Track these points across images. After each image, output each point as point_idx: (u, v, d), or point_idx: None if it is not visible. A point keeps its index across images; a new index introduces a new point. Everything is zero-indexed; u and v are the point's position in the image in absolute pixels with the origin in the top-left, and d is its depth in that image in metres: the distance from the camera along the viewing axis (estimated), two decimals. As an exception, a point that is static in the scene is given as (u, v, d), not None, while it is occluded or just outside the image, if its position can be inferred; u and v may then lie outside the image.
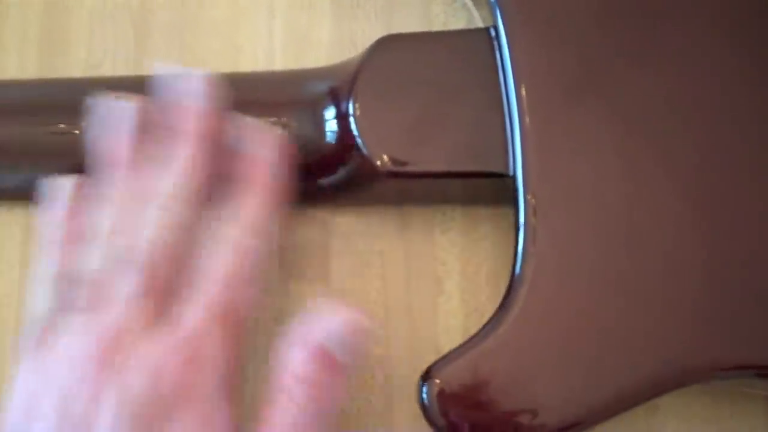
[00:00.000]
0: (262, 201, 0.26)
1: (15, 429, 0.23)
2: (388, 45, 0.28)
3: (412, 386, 0.27)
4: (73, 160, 0.27)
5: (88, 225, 0.25)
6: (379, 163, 0.26)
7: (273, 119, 0.28)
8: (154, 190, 0.25)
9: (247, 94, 0.29)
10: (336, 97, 0.28)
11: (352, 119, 0.27)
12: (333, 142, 0.28)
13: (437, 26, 0.31)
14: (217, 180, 0.26)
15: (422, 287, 0.29)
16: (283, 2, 0.32)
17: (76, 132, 0.28)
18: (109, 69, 0.32)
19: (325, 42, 0.31)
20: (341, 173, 0.28)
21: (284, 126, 0.28)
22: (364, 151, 0.27)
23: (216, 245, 0.25)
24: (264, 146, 0.26)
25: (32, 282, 0.25)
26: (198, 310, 0.24)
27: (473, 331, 0.28)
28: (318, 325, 0.23)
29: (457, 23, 0.31)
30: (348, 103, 0.27)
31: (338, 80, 0.28)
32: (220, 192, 0.26)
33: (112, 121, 0.26)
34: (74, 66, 0.32)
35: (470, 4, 0.30)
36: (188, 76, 0.26)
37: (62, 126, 0.29)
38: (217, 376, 0.23)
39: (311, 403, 0.23)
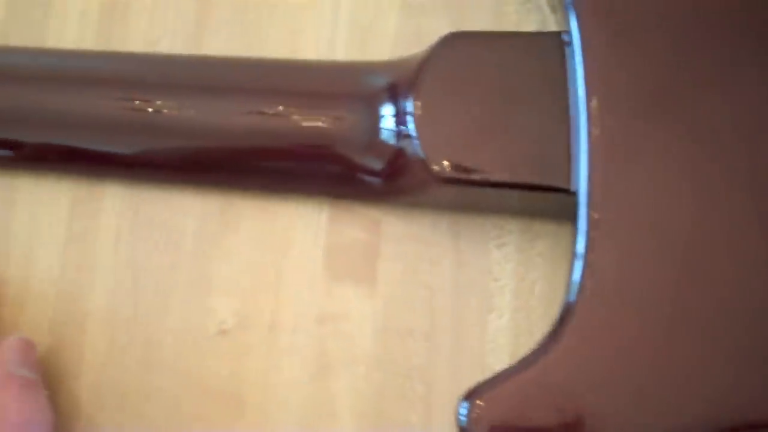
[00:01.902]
0: None
1: None
2: (454, 43, 0.26)
3: (454, 402, 0.26)
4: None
5: None
6: (435, 167, 0.25)
7: (327, 111, 0.27)
8: None
9: (302, 82, 0.28)
10: (395, 94, 0.26)
11: (410, 118, 0.25)
12: (387, 140, 0.26)
13: (508, 26, 0.30)
14: None
15: (472, 301, 0.28)
16: (351, -10, 0.31)
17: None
18: (168, 46, 0.31)
19: (390, 35, 0.30)
20: (394, 174, 0.27)
21: (338, 119, 0.27)
22: (421, 153, 0.25)
23: None
24: None
25: None
26: None
27: (522, 351, 0.26)
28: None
29: (530, 25, 0.29)
30: (408, 102, 0.26)
31: (399, 76, 0.27)
32: None
33: None
34: (133, 40, 0.31)
35: (545, 6, 0.29)
36: None
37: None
38: None
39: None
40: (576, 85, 0.25)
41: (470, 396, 0.23)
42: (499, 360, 0.27)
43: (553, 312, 0.26)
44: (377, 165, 0.27)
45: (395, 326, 0.28)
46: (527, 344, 0.27)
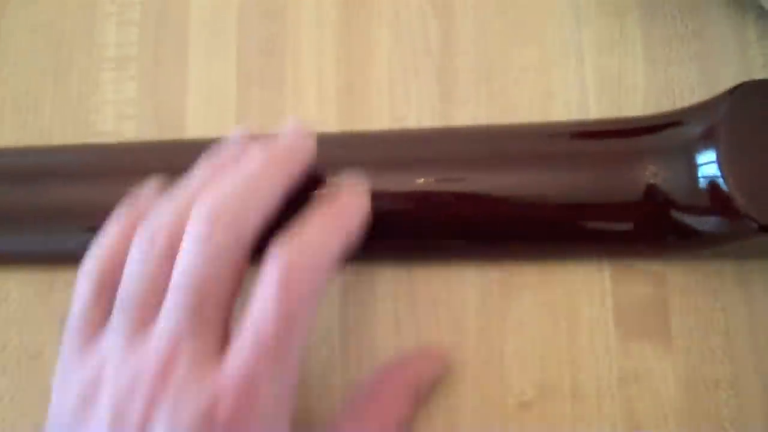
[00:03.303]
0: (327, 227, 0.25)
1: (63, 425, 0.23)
2: (750, 90, 0.27)
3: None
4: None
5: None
6: (753, 215, 0.25)
7: (643, 166, 0.27)
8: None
9: (606, 143, 0.28)
10: (700, 143, 0.27)
11: (718, 167, 0.26)
12: (704, 189, 0.27)
13: (756, 70, 0.30)
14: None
15: (770, 345, 0.28)
16: (592, 48, 0.31)
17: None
18: (415, 120, 0.31)
19: (640, 88, 0.30)
20: (702, 225, 0.27)
21: (654, 175, 0.27)
22: (736, 202, 0.25)
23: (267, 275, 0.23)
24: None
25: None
26: (248, 349, 0.22)
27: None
28: None
29: (777, 67, 0.30)
30: (714, 150, 0.26)
31: (699, 125, 0.27)
32: None
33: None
34: (377, 118, 0.31)
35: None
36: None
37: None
38: (270, 413, 0.23)
39: None
40: None
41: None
42: (806, 401, 0.28)
43: None
44: (689, 218, 0.27)
45: (699, 378, 0.28)
46: (835, 382, 0.27)
